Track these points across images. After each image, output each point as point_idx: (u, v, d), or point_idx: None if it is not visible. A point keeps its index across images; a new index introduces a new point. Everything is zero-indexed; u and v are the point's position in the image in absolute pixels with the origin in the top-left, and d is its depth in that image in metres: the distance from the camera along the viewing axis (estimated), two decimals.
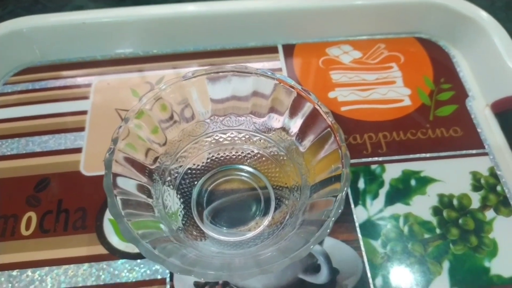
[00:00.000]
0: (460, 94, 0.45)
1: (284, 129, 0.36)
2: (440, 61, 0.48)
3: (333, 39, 0.50)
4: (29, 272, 0.35)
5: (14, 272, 0.35)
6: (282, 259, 0.27)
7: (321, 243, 0.36)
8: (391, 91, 0.45)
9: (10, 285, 0.35)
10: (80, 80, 0.46)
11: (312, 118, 0.33)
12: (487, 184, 0.40)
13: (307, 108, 0.33)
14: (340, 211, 0.29)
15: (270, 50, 0.48)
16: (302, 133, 0.35)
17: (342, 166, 0.30)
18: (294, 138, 0.35)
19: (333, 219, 0.28)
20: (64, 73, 0.47)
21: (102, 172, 0.40)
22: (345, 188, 0.29)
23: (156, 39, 0.48)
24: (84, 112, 0.44)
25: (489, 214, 0.38)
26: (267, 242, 0.33)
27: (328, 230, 0.28)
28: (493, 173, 0.40)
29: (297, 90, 0.33)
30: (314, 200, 0.32)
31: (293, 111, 0.35)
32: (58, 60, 0.48)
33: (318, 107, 0.32)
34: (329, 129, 0.32)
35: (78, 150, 0.41)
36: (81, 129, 0.43)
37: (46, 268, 0.35)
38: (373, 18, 0.49)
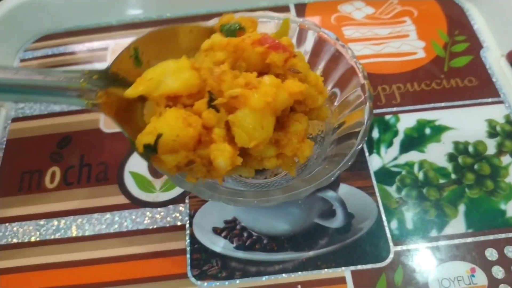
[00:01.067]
0: (475, 45, 0.45)
1: None
2: (454, 14, 0.48)
3: None
4: (55, 221, 0.37)
5: (42, 221, 0.37)
6: (307, 186, 0.28)
7: (336, 189, 0.37)
8: (405, 44, 0.45)
9: (38, 232, 0.36)
10: (97, 45, 0.47)
11: (335, 60, 0.33)
12: (503, 131, 0.39)
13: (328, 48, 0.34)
14: (363, 143, 0.29)
15: (281, 9, 0.49)
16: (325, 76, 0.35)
17: (365, 100, 0.30)
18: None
19: (358, 147, 0.28)
20: (81, 38, 0.48)
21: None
22: (368, 121, 0.29)
23: (169, 2, 0.49)
24: None
25: (505, 159, 0.38)
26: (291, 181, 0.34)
27: (350, 163, 0.28)
28: (508, 120, 0.40)
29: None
30: (338, 136, 0.32)
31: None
32: (74, 27, 0.49)
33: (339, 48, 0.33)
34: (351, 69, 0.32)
35: None
36: None
37: (71, 217, 0.37)
38: None
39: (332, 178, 0.28)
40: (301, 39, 0.34)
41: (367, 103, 0.30)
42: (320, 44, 0.33)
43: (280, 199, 0.28)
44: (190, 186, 0.28)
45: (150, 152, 0.24)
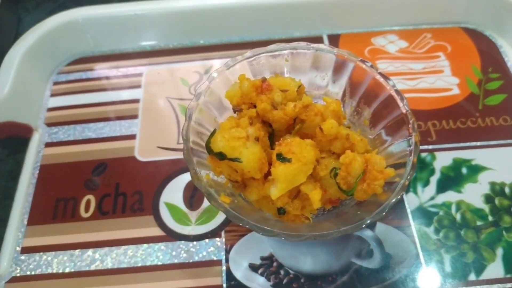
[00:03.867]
0: (509, 83, 0.45)
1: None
2: (487, 50, 0.48)
3: (379, 29, 0.50)
4: (90, 252, 0.37)
5: (76, 252, 0.37)
6: (334, 229, 0.28)
7: (373, 228, 0.37)
8: (439, 80, 0.45)
9: (72, 264, 0.36)
10: (131, 70, 0.47)
11: (387, 106, 0.34)
12: None
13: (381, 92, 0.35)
14: (400, 196, 0.29)
15: (315, 40, 0.49)
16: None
17: (410, 153, 0.30)
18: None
19: (393, 200, 0.29)
20: (116, 63, 0.48)
21: (157, 158, 0.42)
22: (408, 177, 0.30)
23: (203, 30, 0.49)
24: (136, 101, 0.45)
25: None
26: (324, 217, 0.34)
27: (384, 213, 0.28)
28: None
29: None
30: None
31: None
32: (109, 51, 0.49)
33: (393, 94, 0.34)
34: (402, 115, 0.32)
35: (132, 137, 0.42)
36: (135, 116, 0.44)
37: (106, 249, 0.37)
38: (418, 7, 0.49)
39: (363, 226, 0.28)
40: (357, 77, 0.35)
41: (412, 157, 0.30)
42: (375, 86, 0.34)
43: (307, 237, 0.28)
44: (222, 206, 0.29)
45: (219, 156, 0.30)
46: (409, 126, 0.32)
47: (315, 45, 0.36)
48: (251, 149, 0.30)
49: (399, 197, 0.29)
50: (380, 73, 0.34)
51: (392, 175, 0.30)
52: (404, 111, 0.32)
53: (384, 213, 0.29)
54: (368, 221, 0.28)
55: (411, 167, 0.30)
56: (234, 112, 0.33)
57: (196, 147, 0.32)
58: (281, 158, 0.30)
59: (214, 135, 0.31)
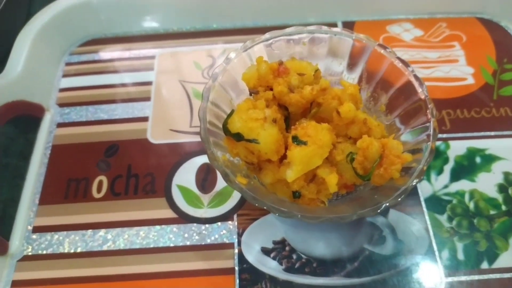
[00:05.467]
0: None
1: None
2: (502, 41, 0.47)
3: (394, 17, 0.49)
4: (101, 232, 0.37)
5: (88, 232, 0.37)
6: (350, 212, 0.28)
7: (386, 215, 0.37)
8: (454, 69, 0.45)
9: (84, 243, 0.36)
10: (144, 52, 0.47)
11: (405, 93, 0.34)
12: None
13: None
14: (418, 182, 0.29)
15: (329, 26, 0.48)
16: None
17: (428, 139, 0.30)
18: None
19: (411, 184, 0.29)
20: (128, 45, 0.48)
21: (169, 140, 0.41)
22: (426, 162, 0.29)
23: (217, 14, 0.49)
24: (149, 83, 0.45)
25: None
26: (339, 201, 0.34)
27: (401, 198, 0.28)
28: None
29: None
30: None
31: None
32: (122, 33, 0.49)
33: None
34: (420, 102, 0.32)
35: (145, 119, 0.42)
36: (147, 99, 0.44)
37: (118, 229, 0.37)
38: None
39: (378, 211, 0.28)
40: (375, 62, 0.35)
41: (430, 142, 0.30)
42: (393, 71, 0.33)
43: (324, 219, 0.28)
44: (239, 187, 0.29)
45: (236, 137, 0.30)
46: (428, 111, 0.31)
47: (334, 29, 0.36)
48: (269, 130, 0.30)
49: (417, 181, 0.29)
50: (399, 58, 0.34)
51: (410, 160, 0.30)
52: (423, 97, 0.32)
53: (401, 198, 0.29)
54: (386, 205, 0.28)
55: (429, 152, 0.30)
56: (251, 94, 0.33)
57: (212, 128, 0.32)
58: (297, 140, 0.30)
59: (231, 116, 0.30)
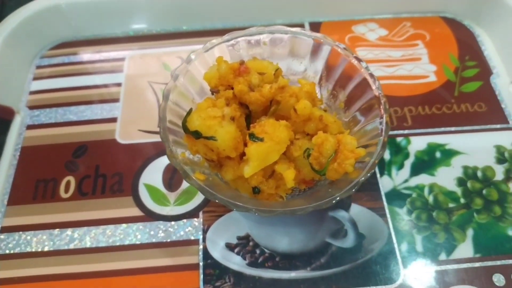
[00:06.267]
0: (485, 71, 0.46)
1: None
2: (465, 39, 0.49)
3: (359, 17, 0.50)
4: (68, 231, 0.37)
5: (55, 231, 0.37)
6: (307, 205, 0.29)
7: (348, 209, 0.38)
8: (417, 67, 0.46)
9: (51, 242, 0.37)
10: (113, 55, 0.48)
11: (361, 88, 0.35)
12: (511, 157, 0.40)
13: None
14: (368, 175, 0.30)
15: (296, 27, 0.49)
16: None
17: (381, 133, 0.31)
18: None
19: (362, 179, 0.30)
20: (98, 47, 0.48)
21: (137, 141, 0.42)
22: (378, 155, 0.30)
23: (186, 16, 0.49)
24: (118, 85, 0.45)
25: None
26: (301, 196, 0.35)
27: (353, 190, 0.30)
28: None
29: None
30: None
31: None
32: (92, 36, 0.49)
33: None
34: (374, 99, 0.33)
35: (113, 120, 0.43)
36: (116, 100, 0.44)
37: (85, 228, 0.37)
38: None
39: (332, 202, 0.29)
40: (333, 60, 0.36)
41: (382, 137, 0.31)
42: (350, 69, 0.35)
43: (278, 213, 0.29)
44: (196, 183, 0.30)
45: (195, 134, 0.30)
46: (381, 107, 0.33)
47: (293, 29, 0.37)
48: (226, 128, 0.30)
49: (369, 175, 0.30)
50: (355, 57, 0.35)
51: (363, 155, 0.31)
52: (376, 94, 0.33)
53: (353, 190, 0.30)
54: (338, 198, 0.29)
55: (381, 146, 0.31)
56: (212, 93, 0.34)
57: (173, 127, 0.33)
58: (254, 137, 0.30)
59: (190, 114, 0.31)
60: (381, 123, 0.32)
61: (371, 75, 0.34)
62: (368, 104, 0.34)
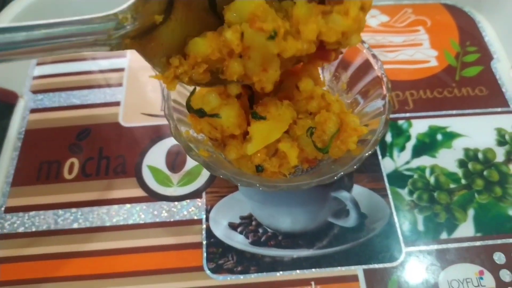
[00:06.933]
0: (486, 56, 0.46)
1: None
2: (466, 25, 0.49)
3: None
4: (72, 211, 0.37)
5: (60, 211, 0.37)
6: (309, 180, 0.29)
7: (350, 190, 0.38)
8: (418, 52, 0.46)
9: (55, 222, 0.37)
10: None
11: (363, 69, 0.35)
12: None
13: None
14: (372, 151, 0.30)
15: None
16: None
17: (384, 112, 0.31)
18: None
19: (366, 154, 0.30)
20: None
21: (140, 124, 0.42)
22: (381, 133, 0.31)
23: None
24: (121, 69, 0.46)
25: None
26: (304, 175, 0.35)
27: (356, 166, 0.30)
28: None
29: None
30: None
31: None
32: None
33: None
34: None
35: (116, 104, 0.43)
36: (119, 84, 0.45)
37: (88, 208, 0.37)
38: None
39: (335, 178, 0.29)
40: None
41: (385, 115, 0.31)
42: (352, 51, 0.35)
43: (281, 188, 0.30)
44: (202, 160, 0.31)
45: (199, 113, 0.31)
46: (384, 86, 0.33)
47: None
48: (230, 105, 0.31)
49: (371, 151, 0.30)
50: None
51: (365, 132, 0.31)
52: (379, 74, 0.34)
53: (356, 166, 0.30)
54: (342, 172, 0.29)
55: (384, 124, 0.31)
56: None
57: (177, 106, 0.33)
58: (256, 116, 0.31)
59: (194, 93, 0.32)
60: (383, 102, 0.32)
61: (374, 55, 0.34)
62: (370, 84, 0.34)
